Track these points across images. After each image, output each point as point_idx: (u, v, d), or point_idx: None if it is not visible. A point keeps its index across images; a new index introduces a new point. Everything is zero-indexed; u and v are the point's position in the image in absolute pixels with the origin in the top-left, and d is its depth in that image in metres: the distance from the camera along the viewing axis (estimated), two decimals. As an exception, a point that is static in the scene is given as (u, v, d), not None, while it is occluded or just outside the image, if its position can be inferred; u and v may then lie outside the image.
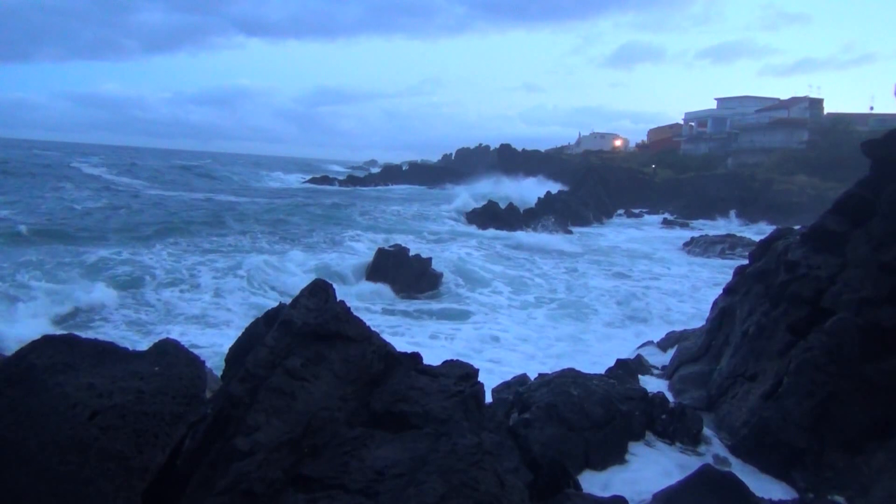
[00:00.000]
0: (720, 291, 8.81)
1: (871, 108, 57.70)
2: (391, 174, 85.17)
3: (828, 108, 59.58)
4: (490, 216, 33.66)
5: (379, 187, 69.26)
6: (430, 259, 18.28)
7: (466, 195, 42.70)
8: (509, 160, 69.39)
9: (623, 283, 18.78)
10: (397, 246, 18.94)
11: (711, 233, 31.06)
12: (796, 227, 8.42)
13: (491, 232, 30.59)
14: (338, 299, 4.67)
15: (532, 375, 7.15)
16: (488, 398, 6.12)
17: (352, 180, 76.14)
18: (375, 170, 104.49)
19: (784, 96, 64.58)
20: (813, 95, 60.64)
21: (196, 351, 4.32)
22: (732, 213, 41.86)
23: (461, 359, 5.14)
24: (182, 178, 63.68)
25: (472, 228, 32.36)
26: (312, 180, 75.77)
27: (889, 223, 6.00)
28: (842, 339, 5.77)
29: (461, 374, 4.66)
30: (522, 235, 29.30)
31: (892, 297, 5.67)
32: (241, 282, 16.05)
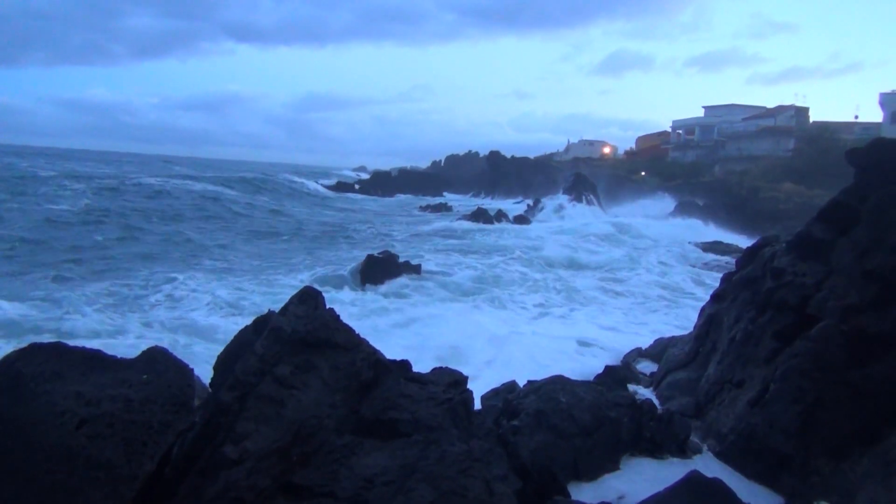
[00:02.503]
0: (707, 298, 8.88)
1: (857, 117, 58.32)
2: (380, 181, 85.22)
3: (814, 117, 60.17)
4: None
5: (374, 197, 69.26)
6: (419, 265, 18.32)
7: None
8: (498, 167, 69.73)
9: (611, 290, 18.81)
10: (386, 252, 18.95)
11: (699, 240, 31.24)
12: (782, 235, 8.51)
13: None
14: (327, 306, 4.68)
15: (521, 382, 7.17)
16: (477, 405, 6.13)
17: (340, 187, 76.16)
18: (365, 176, 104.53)
19: (772, 104, 65.22)
20: (799, 104, 61.25)
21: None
22: (720, 220, 42.15)
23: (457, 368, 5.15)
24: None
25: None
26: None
27: (873, 231, 6.07)
28: (827, 346, 5.82)
29: (450, 382, 4.67)
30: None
31: (876, 303, 5.73)
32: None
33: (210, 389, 4.60)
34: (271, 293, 15.23)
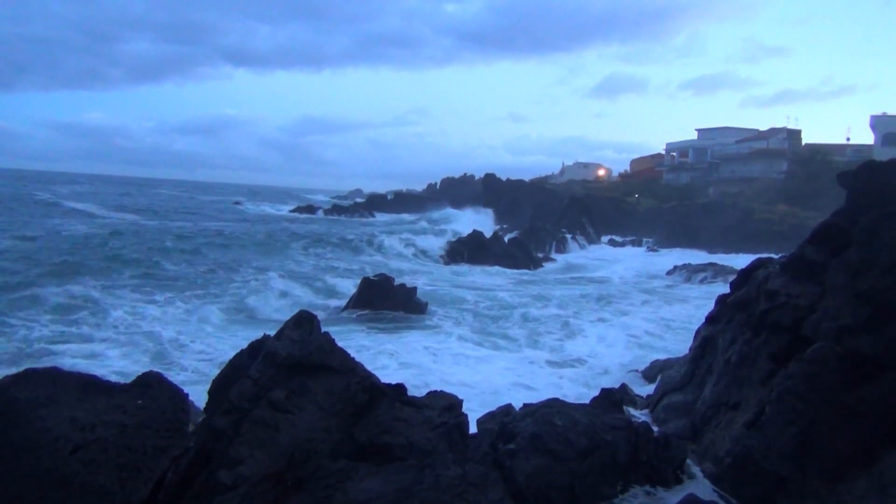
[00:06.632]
0: (703, 320, 8.89)
1: (848, 139, 58.87)
2: (375, 203, 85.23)
3: (806, 139, 60.72)
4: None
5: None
6: (415, 288, 18.26)
7: None
8: (494, 189, 69.97)
9: (606, 310, 18.80)
10: (382, 275, 18.90)
11: (694, 261, 31.29)
12: (776, 257, 8.54)
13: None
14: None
15: (517, 405, 7.14)
16: (473, 429, 6.10)
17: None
18: (360, 199, 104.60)
19: (765, 127, 65.79)
20: (791, 126, 61.77)
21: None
22: (714, 242, 42.31)
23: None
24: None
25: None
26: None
27: (865, 252, 6.10)
28: (821, 367, 5.82)
29: (445, 406, 4.67)
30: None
31: (869, 325, 5.75)
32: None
33: (205, 414, 4.58)
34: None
